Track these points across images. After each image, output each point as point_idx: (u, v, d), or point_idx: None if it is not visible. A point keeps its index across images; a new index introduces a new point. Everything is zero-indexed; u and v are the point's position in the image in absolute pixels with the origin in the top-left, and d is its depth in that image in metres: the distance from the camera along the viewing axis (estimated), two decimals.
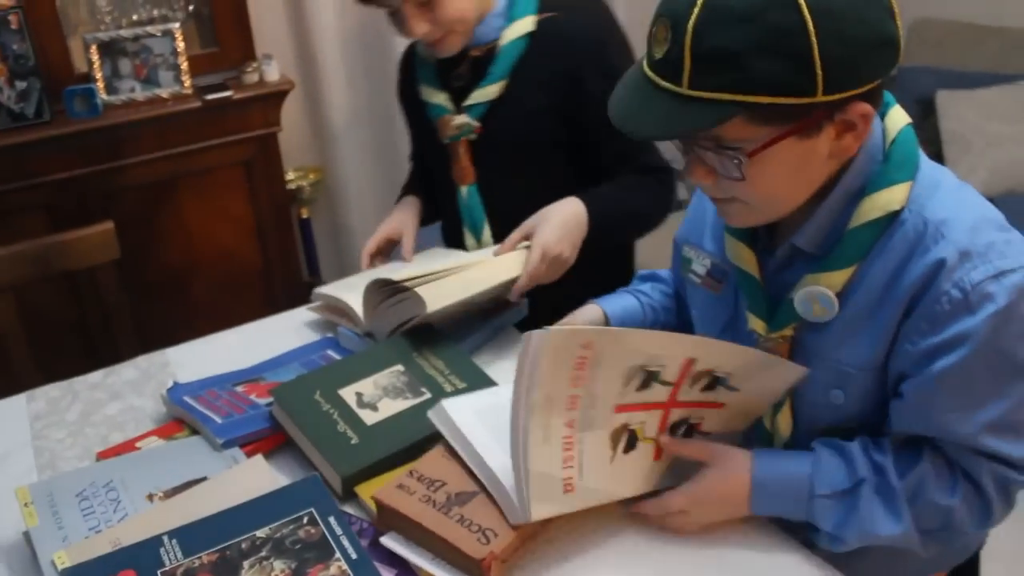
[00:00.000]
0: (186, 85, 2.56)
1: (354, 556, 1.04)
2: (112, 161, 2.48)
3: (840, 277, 1.01)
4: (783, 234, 1.09)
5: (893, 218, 1.00)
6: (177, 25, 2.53)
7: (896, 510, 1.02)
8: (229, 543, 1.06)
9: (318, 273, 3.05)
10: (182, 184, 2.60)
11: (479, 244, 1.70)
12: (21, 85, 2.36)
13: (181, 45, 2.54)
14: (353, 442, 1.21)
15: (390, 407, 1.28)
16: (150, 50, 2.53)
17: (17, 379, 1.80)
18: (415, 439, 1.22)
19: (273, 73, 2.65)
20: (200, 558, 1.04)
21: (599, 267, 1.59)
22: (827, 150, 0.97)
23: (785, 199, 1.02)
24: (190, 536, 1.06)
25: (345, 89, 2.93)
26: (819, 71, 0.88)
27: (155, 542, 1.05)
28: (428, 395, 1.30)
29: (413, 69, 1.78)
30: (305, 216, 2.97)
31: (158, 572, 1.02)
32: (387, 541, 1.07)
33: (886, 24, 0.92)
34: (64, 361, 2.33)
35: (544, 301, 1.54)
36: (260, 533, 1.07)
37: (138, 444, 1.30)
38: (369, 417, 1.26)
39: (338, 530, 1.07)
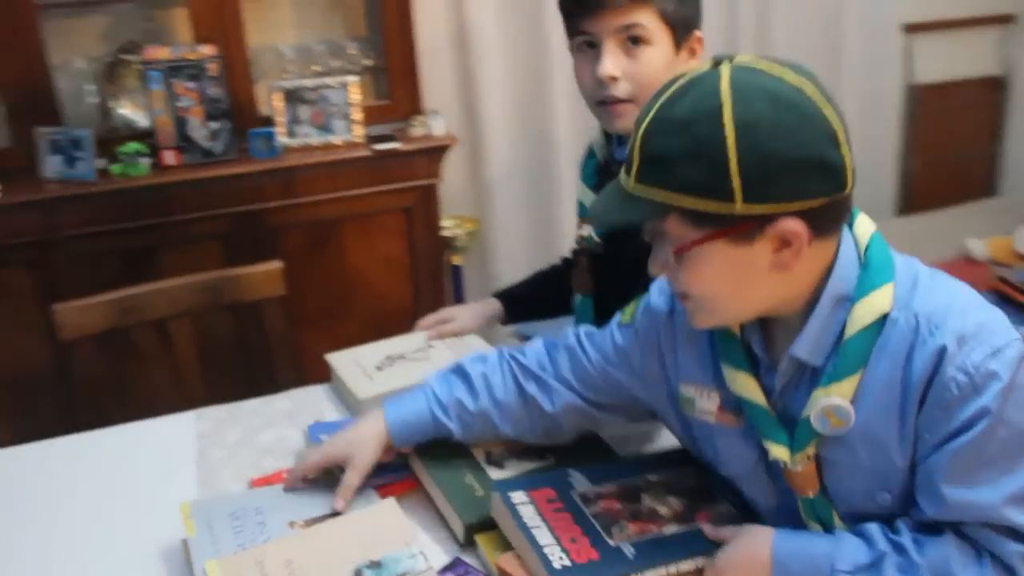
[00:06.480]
0: (357, 134, 2.75)
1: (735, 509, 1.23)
2: (285, 199, 2.69)
3: (849, 385, 1.05)
4: (780, 351, 1.12)
5: (885, 320, 1.04)
6: (355, 79, 2.74)
7: None
8: (626, 480, 1.28)
9: None
10: (346, 225, 2.78)
11: None
12: (214, 125, 2.60)
13: (356, 98, 2.73)
14: (478, 494, 1.31)
15: (515, 467, 1.38)
16: (327, 100, 2.74)
17: (189, 396, 1.99)
18: None
19: (439, 128, 2.81)
20: (604, 487, 1.27)
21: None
22: (766, 262, 1.02)
23: (730, 302, 1.08)
24: (593, 472, 1.30)
25: (505, 145, 3.08)
26: (736, 180, 0.96)
27: (563, 472, 1.30)
28: (552, 459, 1.40)
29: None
30: (457, 264, 3.12)
31: (571, 493, 1.25)
32: None
33: (823, 149, 0.97)
34: (225, 383, 2.53)
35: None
36: (651, 477, 1.30)
37: (285, 475, 1.43)
38: (495, 474, 1.36)
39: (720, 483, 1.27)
